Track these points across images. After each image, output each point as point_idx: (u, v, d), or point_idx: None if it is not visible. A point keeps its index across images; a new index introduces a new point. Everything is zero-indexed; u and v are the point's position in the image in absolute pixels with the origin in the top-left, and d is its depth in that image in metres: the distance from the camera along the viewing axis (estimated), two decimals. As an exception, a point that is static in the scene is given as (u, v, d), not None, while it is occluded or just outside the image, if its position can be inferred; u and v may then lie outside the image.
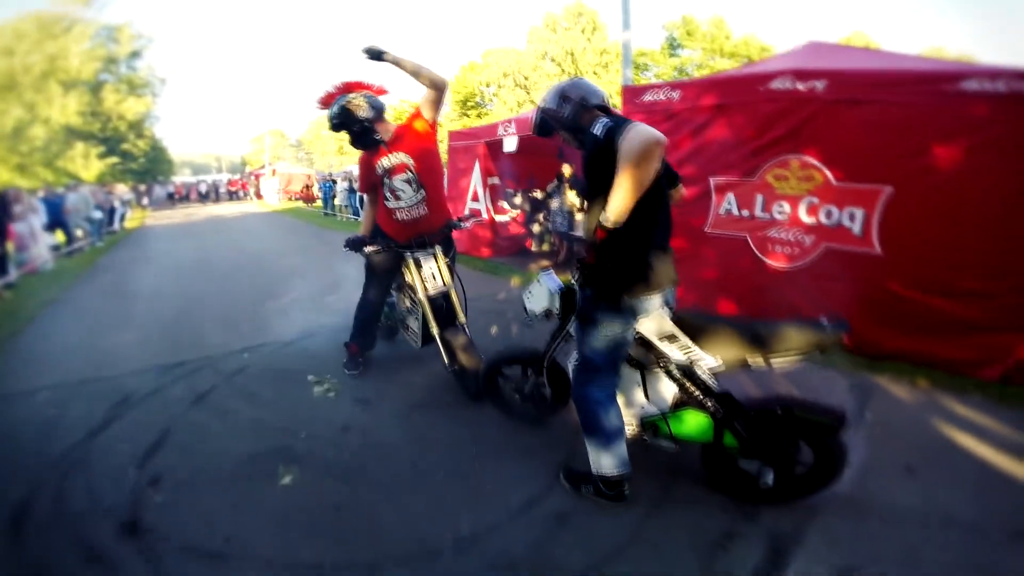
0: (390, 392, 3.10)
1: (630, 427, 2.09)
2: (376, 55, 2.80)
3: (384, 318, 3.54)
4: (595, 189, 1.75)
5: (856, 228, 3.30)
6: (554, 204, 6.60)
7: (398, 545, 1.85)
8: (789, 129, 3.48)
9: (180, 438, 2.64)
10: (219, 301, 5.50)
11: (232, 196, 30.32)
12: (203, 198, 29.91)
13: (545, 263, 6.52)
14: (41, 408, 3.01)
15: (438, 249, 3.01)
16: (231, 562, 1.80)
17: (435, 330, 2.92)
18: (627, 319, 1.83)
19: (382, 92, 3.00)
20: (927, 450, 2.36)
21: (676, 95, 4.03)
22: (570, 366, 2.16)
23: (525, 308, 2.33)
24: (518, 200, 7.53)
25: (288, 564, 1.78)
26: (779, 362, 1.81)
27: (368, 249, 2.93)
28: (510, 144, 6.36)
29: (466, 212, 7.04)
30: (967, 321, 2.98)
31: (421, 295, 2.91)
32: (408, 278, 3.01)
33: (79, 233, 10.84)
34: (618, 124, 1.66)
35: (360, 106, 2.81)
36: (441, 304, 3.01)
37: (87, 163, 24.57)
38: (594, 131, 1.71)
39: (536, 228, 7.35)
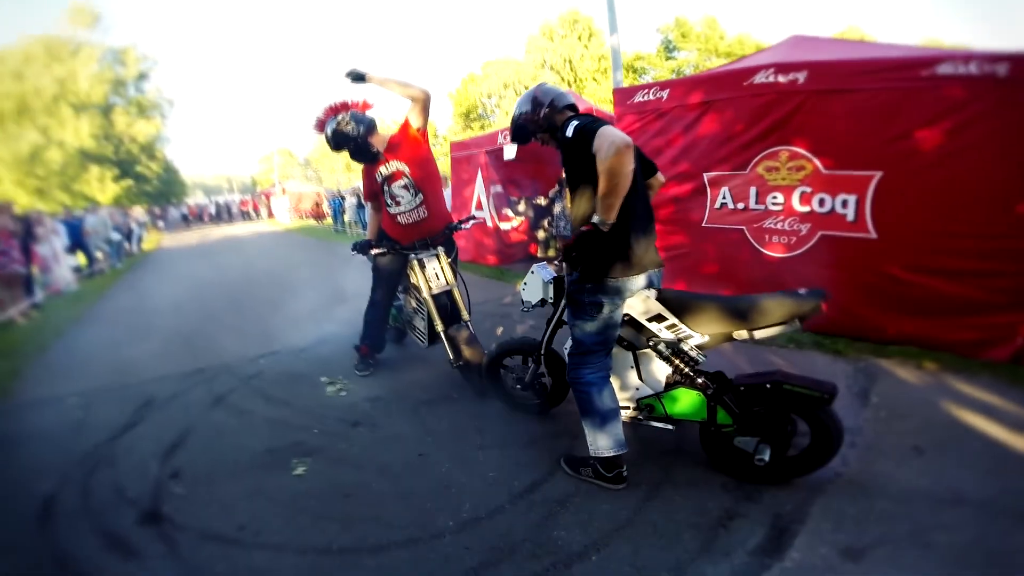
0: (399, 390, 3.21)
1: (626, 409, 2.16)
2: (358, 77, 3.01)
3: (392, 320, 3.69)
4: (573, 181, 1.94)
5: (850, 214, 3.35)
6: (557, 209, 6.70)
7: (402, 529, 1.92)
8: (775, 121, 3.55)
9: (200, 436, 2.77)
10: (235, 313, 5.68)
11: (244, 216, 30.88)
12: (214, 219, 30.51)
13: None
14: (69, 412, 3.17)
15: (440, 250, 3.14)
16: (244, 546, 1.90)
17: (439, 327, 3.04)
18: (612, 300, 1.95)
19: (367, 107, 3.19)
20: (936, 431, 2.32)
21: (664, 94, 4.13)
22: (566, 352, 2.25)
23: (522, 300, 2.45)
24: (521, 207, 7.63)
25: (297, 548, 1.87)
26: (762, 334, 1.88)
27: (374, 251, 3.08)
28: (510, 152, 6.49)
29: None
30: (972, 302, 2.97)
31: (425, 294, 3.04)
32: (413, 279, 3.13)
33: (99, 255, 11.12)
34: (585, 124, 1.84)
35: (349, 125, 3.01)
36: (445, 303, 3.13)
37: (103, 186, 24.82)
38: (567, 131, 1.89)
39: (541, 234, 7.45)
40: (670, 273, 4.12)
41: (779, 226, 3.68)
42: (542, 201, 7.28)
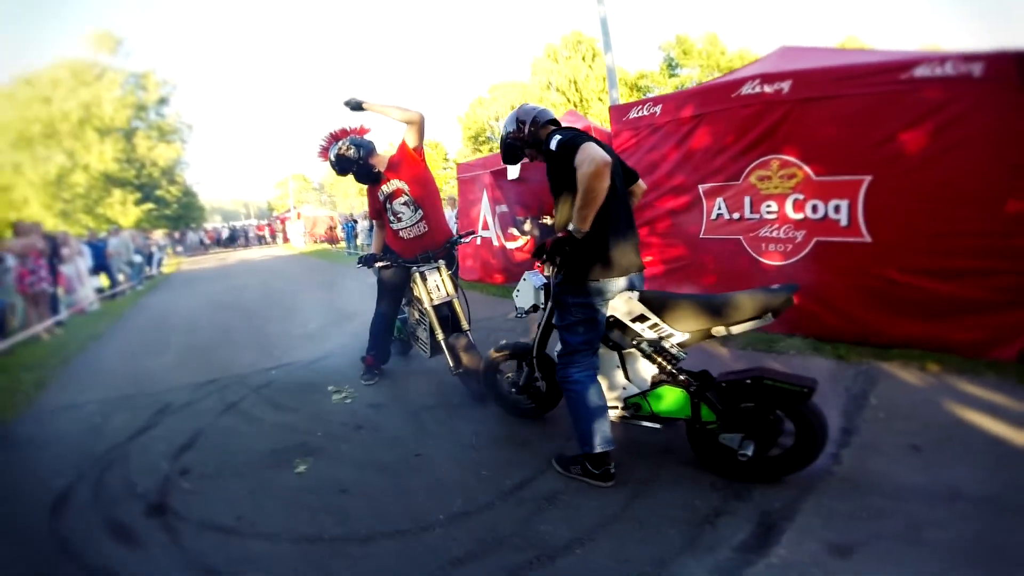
0: (402, 397, 3.32)
1: (615, 409, 2.22)
2: (356, 106, 3.24)
3: (397, 332, 3.85)
4: (556, 190, 2.09)
5: (843, 219, 3.38)
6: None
7: (393, 521, 2.00)
8: (764, 131, 3.63)
9: (210, 438, 2.91)
10: (249, 330, 5.86)
11: (261, 240, 31.64)
12: (229, 242, 31.26)
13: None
14: (87, 417, 3.35)
15: (441, 263, 3.28)
16: (240, 535, 2.00)
17: (440, 335, 3.16)
18: (594, 301, 2.05)
19: (364, 131, 3.43)
20: (936, 430, 2.29)
21: (658, 110, 4.26)
22: (555, 354, 2.33)
23: (516, 307, 2.56)
24: (527, 227, 7.73)
25: (290, 537, 1.96)
26: (738, 329, 1.95)
27: (378, 264, 3.24)
28: (513, 172, 6.65)
29: (478, 241, 7.39)
30: (973, 301, 2.95)
31: (427, 305, 3.17)
32: (415, 291, 3.27)
33: (121, 277, 11.48)
34: (568, 138, 1.97)
35: (350, 150, 3.24)
36: (446, 313, 3.26)
37: (125, 209, 25.24)
38: (551, 144, 2.02)
39: (547, 253, 7.54)
40: (670, 285, 4.18)
41: (775, 234, 3.73)
42: (548, 220, 7.38)
